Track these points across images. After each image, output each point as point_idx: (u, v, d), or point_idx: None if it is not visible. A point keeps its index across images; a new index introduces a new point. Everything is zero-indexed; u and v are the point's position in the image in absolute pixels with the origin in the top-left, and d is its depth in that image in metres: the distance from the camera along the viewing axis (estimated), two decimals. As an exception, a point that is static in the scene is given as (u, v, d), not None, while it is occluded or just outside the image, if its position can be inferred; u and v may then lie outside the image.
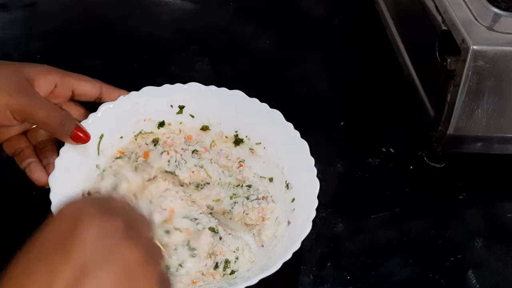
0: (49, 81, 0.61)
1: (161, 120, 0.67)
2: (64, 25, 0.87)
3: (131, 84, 0.67)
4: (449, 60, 0.60)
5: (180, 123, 0.67)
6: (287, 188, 0.62)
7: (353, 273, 0.60)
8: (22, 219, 0.62)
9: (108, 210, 0.40)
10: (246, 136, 0.66)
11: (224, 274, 0.57)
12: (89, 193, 0.61)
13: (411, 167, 0.71)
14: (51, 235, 0.38)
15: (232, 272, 0.57)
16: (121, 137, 0.65)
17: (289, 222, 0.59)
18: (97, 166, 0.63)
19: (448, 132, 0.64)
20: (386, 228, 0.65)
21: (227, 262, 0.57)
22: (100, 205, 0.41)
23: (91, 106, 0.65)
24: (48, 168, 0.60)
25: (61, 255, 0.36)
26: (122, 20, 0.89)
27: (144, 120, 0.66)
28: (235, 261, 0.58)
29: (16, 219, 0.63)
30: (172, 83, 0.67)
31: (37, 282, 0.36)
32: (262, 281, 0.52)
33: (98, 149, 0.63)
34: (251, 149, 0.66)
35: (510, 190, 0.70)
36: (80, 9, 0.90)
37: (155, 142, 0.66)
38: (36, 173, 0.60)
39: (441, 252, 0.63)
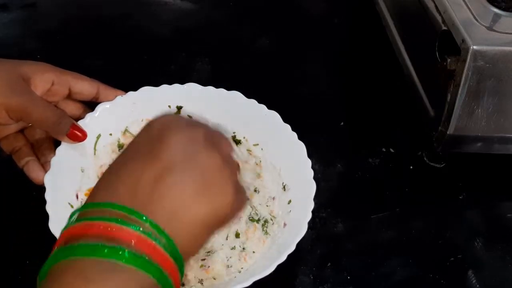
0: (46, 79, 0.61)
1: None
2: (64, 25, 0.87)
3: (131, 84, 0.67)
4: (449, 60, 0.60)
5: None
6: (284, 190, 0.62)
7: (353, 273, 0.60)
8: (21, 218, 0.62)
9: (193, 123, 0.45)
10: (244, 137, 0.66)
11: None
12: (86, 194, 0.61)
13: (411, 167, 0.71)
14: (143, 140, 0.43)
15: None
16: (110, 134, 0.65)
17: (284, 224, 0.59)
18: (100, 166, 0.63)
19: (448, 132, 0.64)
20: (386, 228, 0.64)
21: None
22: (185, 119, 0.46)
23: (88, 106, 0.65)
24: (46, 166, 0.60)
25: (150, 155, 0.41)
26: (122, 20, 0.89)
27: (142, 120, 0.66)
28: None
29: (15, 218, 0.63)
30: (172, 83, 0.67)
31: (130, 175, 0.41)
32: (261, 281, 0.52)
33: (95, 148, 0.63)
34: (248, 150, 0.66)
35: (510, 190, 0.70)
36: (80, 9, 0.90)
37: None
38: (34, 172, 0.60)
39: (441, 252, 0.63)
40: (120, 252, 0.37)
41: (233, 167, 0.45)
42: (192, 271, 0.57)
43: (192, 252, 0.43)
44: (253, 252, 0.59)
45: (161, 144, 0.42)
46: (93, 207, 0.40)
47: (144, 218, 0.39)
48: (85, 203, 0.41)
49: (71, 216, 0.41)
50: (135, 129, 0.66)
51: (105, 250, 0.37)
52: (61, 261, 0.38)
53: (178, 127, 0.43)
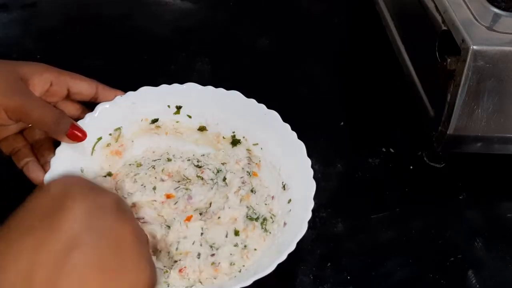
0: (45, 80, 0.61)
1: (156, 117, 0.67)
2: (63, 25, 0.87)
3: (131, 84, 0.67)
4: (449, 60, 0.60)
5: (177, 121, 0.67)
6: (284, 189, 0.62)
7: (353, 273, 0.60)
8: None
9: (99, 189, 0.40)
10: (243, 137, 0.66)
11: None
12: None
13: (411, 167, 0.71)
14: (38, 208, 0.37)
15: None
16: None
17: (285, 223, 0.59)
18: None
19: (448, 132, 0.64)
20: (386, 228, 0.65)
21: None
22: (88, 183, 0.41)
23: (87, 106, 0.65)
24: (45, 167, 0.60)
25: (48, 226, 0.35)
26: (122, 20, 0.89)
27: (141, 120, 0.66)
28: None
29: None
30: (172, 83, 0.67)
31: (22, 254, 0.34)
32: (261, 281, 0.52)
33: (93, 149, 0.63)
34: (248, 149, 0.66)
35: (510, 190, 0.70)
36: (79, 9, 0.90)
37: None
38: (34, 172, 0.60)
39: (441, 252, 0.63)
40: None
41: (144, 238, 0.40)
42: (204, 270, 0.57)
43: None
44: (255, 249, 0.59)
45: (62, 213, 0.36)
46: None
47: None
48: None
49: None
50: (134, 129, 0.66)
51: None
52: None
53: (83, 192, 0.38)
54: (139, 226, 0.41)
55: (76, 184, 0.39)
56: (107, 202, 0.39)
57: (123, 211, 0.39)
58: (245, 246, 0.59)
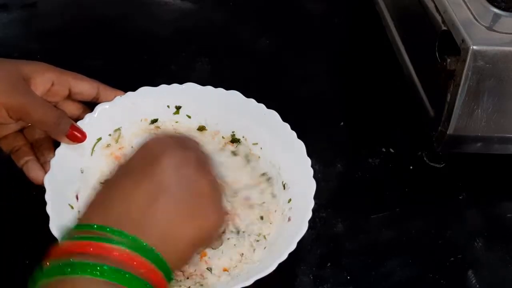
0: (46, 79, 0.61)
1: (155, 118, 0.67)
2: (64, 25, 0.87)
3: (131, 84, 0.67)
4: (449, 60, 0.60)
5: (176, 122, 0.67)
6: (284, 189, 0.62)
7: (353, 273, 0.60)
8: (21, 218, 0.62)
9: (185, 146, 0.47)
10: (243, 137, 0.66)
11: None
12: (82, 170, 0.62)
13: (411, 167, 0.71)
14: (137, 160, 0.46)
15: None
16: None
17: (289, 218, 0.59)
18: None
19: (448, 132, 0.64)
20: (386, 228, 0.64)
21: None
22: (179, 142, 0.48)
23: (88, 106, 0.65)
24: (45, 166, 0.60)
25: (144, 174, 0.44)
26: (122, 20, 0.89)
27: (141, 121, 0.66)
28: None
29: (15, 218, 0.63)
30: (172, 83, 0.67)
31: (123, 191, 0.43)
32: (261, 281, 0.52)
33: (93, 149, 0.63)
34: (247, 149, 0.66)
35: (510, 190, 0.70)
36: (80, 9, 0.90)
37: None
38: (33, 172, 0.60)
39: (441, 252, 0.63)
40: (102, 267, 0.39)
41: (219, 191, 0.48)
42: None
43: (179, 267, 0.47)
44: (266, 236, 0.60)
45: (154, 166, 0.44)
46: (85, 228, 0.42)
47: (130, 237, 0.41)
48: (78, 224, 0.43)
49: (63, 236, 0.43)
50: (133, 130, 0.66)
51: (88, 269, 0.39)
52: (54, 277, 0.40)
53: (172, 150, 0.46)
54: (215, 179, 0.48)
55: (167, 142, 0.47)
56: (191, 157, 0.46)
57: (203, 165, 0.47)
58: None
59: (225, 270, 0.57)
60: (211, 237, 0.47)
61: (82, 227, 0.42)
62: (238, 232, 0.60)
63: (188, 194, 0.44)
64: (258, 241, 0.60)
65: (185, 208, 0.44)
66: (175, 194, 0.44)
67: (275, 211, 0.61)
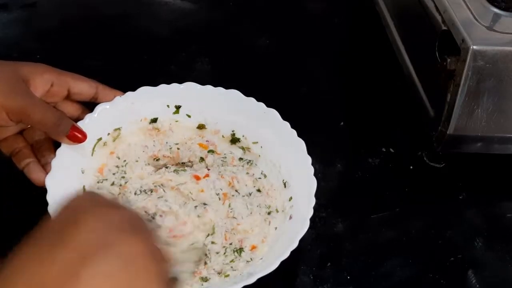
0: (45, 80, 0.61)
1: (155, 117, 0.67)
2: (63, 25, 0.87)
3: (131, 84, 0.67)
4: (449, 60, 0.60)
5: (176, 121, 0.67)
6: (285, 187, 0.62)
7: (353, 273, 0.60)
8: (21, 219, 0.62)
9: (111, 204, 0.40)
10: (243, 136, 0.66)
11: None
12: (83, 189, 0.61)
13: (411, 167, 0.71)
14: (54, 224, 0.38)
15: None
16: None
17: (291, 216, 0.59)
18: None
19: (448, 132, 0.64)
20: (386, 228, 0.64)
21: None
22: (103, 200, 0.41)
23: (87, 107, 0.65)
24: (46, 168, 0.60)
25: (60, 242, 0.36)
26: (122, 20, 0.89)
27: (141, 120, 0.66)
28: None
29: (15, 219, 0.63)
30: (171, 83, 0.67)
31: (34, 268, 0.35)
32: (261, 281, 0.52)
33: (93, 150, 0.63)
34: (247, 148, 0.66)
35: (510, 190, 0.70)
36: (80, 9, 0.90)
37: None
38: (35, 173, 0.60)
39: (441, 252, 0.63)
40: None
41: (158, 254, 0.39)
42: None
43: None
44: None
45: (73, 229, 0.36)
46: None
47: None
48: None
49: None
50: (132, 129, 0.66)
51: None
52: None
53: (98, 208, 0.38)
54: (154, 243, 0.40)
55: (91, 201, 0.40)
56: (121, 218, 0.38)
57: (137, 227, 0.39)
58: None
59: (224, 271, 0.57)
60: None
61: None
62: (239, 232, 0.60)
63: (119, 263, 0.36)
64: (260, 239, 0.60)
65: (113, 282, 0.35)
66: (100, 264, 0.35)
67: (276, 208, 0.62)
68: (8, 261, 0.36)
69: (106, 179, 0.63)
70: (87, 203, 0.39)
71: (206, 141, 0.67)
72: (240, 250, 0.59)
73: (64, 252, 0.35)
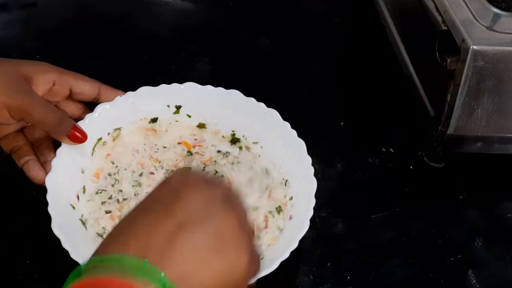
0: (47, 79, 0.61)
1: (155, 117, 0.67)
2: (63, 24, 0.87)
3: (131, 84, 0.67)
4: (449, 60, 0.60)
5: (176, 121, 0.67)
6: (285, 186, 0.62)
7: (353, 273, 0.60)
8: (21, 218, 0.62)
9: (210, 181, 0.44)
10: (243, 136, 0.66)
11: None
12: (83, 189, 0.61)
13: (411, 167, 0.71)
14: (159, 195, 0.42)
15: None
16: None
17: (291, 217, 0.59)
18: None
19: (448, 132, 0.64)
20: (386, 228, 0.64)
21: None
22: (203, 177, 0.45)
23: (88, 106, 0.65)
24: (45, 166, 0.60)
25: (165, 211, 0.40)
26: (122, 20, 0.89)
27: (140, 120, 0.66)
28: None
29: (15, 218, 0.63)
30: (172, 83, 0.67)
31: (139, 231, 0.39)
32: (261, 280, 0.52)
33: (93, 149, 0.63)
34: (247, 147, 0.66)
35: (510, 190, 0.70)
36: (79, 9, 0.90)
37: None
38: (34, 171, 0.60)
39: (441, 252, 0.63)
40: None
41: (249, 232, 0.43)
42: None
43: None
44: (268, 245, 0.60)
45: (177, 201, 0.41)
46: (102, 260, 0.38)
47: (155, 272, 0.37)
48: (94, 254, 0.39)
49: (76, 271, 0.38)
50: (132, 129, 0.66)
51: None
52: None
53: (197, 184, 0.42)
54: (245, 217, 0.43)
55: (192, 178, 0.44)
56: (217, 193, 0.42)
57: (230, 202, 0.43)
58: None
59: None
60: (239, 282, 0.41)
61: (99, 260, 0.38)
62: None
63: (213, 233, 0.40)
64: (260, 240, 0.60)
65: (209, 248, 0.39)
66: (198, 232, 0.39)
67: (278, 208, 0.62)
68: (122, 225, 0.41)
69: (105, 190, 0.63)
70: (190, 178, 0.43)
71: (195, 139, 0.67)
72: None
73: (166, 222, 0.39)
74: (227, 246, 0.40)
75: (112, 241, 0.40)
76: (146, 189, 0.63)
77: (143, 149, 0.66)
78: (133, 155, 0.65)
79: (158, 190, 0.43)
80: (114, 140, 0.65)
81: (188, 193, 0.41)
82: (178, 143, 0.67)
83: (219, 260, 0.40)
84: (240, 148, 0.66)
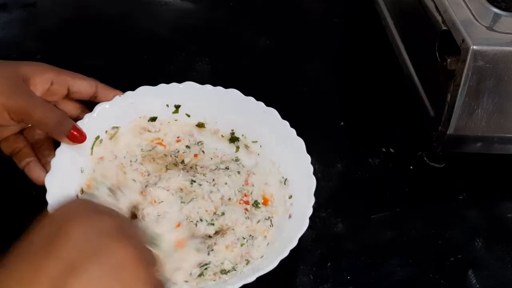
0: (45, 79, 0.61)
1: (154, 116, 0.67)
2: (63, 24, 0.87)
3: (131, 83, 0.67)
4: (449, 60, 0.61)
5: (176, 120, 0.67)
6: (284, 185, 0.62)
7: (353, 273, 0.60)
8: (21, 219, 0.62)
9: (99, 211, 0.39)
10: (242, 135, 0.67)
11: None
12: (82, 191, 0.61)
13: (411, 167, 0.71)
14: (39, 234, 0.37)
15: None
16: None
17: (290, 215, 0.59)
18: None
19: (448, 132, 0.64)
20: (386, 228, 0.64)
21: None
22: (92, 206, 0.40)
23: (87, 106, 0.65)
24: (47, 167, 0.60)
25: (47, 252, 0.35)
26: (122, 20, 0.89)
27: (140, 118, 0.66)
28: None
29: (15, 218, 0.63)
30: (171, 83, 0.67)
31: (21, 280, 0.34)
32: (261, 280, 0.52)
33: (92, 149, 0.63)
34: (247, 146, 0.66)
35: (510, 190, 0.70)
36: (79, 9, 0.90)
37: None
38: (35, 172, 0.60)
39: (441, 252, 0.63)
40: None
41: (148, 259, 0.39)
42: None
43: None
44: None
45: (60, 239, 0.35)
46: None
47: None
48: None
49: None
50: (130, 128, 0.66)
51: None
52: None
53: (84, 216, 0.37)
54: (144, 249, 0.39)
55: (79, 208, 0.39)
56: (109, 225, 0.38)
57: (125, 234, 0.38)
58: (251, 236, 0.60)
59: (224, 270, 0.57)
60: None
61: None
62: (239, 231, 0.60)
63: (110, 270, 0.35)
64: (259, 238, 0.60)
65: None
66: (91, 272, 0.34)
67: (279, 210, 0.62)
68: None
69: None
70: (75, 210, 0.38)
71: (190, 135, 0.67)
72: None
73: (53, 264, 0.34)
74: (125, 281, 0.36)
75: None
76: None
77: (123, 157, 0.65)
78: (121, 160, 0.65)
79: (38, 226, 0.37)
80: (111, 138, 0.65)
81: (73, 226, 0.36)
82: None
83: None
84: (238, 148, 0.66)
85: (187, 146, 0.66)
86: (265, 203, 0.63)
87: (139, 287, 0.37)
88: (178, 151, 0.66)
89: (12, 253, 0.36)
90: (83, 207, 0.39)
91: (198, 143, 0.67)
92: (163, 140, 0.66)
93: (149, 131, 0.66)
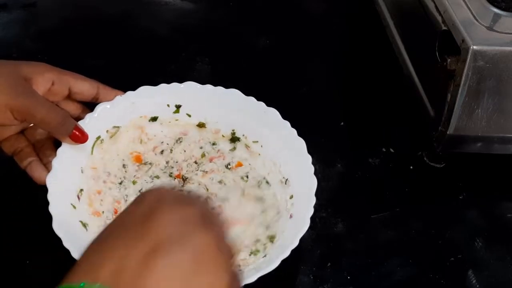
0: (46, 79, 0.61)
1: (155, 116, 0.67)
2: (63, 24, 0.87)
3: (131, 83, 0.67)
4: (449, 60, 0.61)
5: (176, 120, 0.67)
6: (285, 185, 0.62)
7: (353, 273, 0.60)
8: (21, 218, 0.62)
9: (187, 199, 0.42)
10: (243, 135, 0.67)
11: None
12: (81, 190, 0.61)
13: (411, 167, 0.71)
14: (131, 216, 0.40)
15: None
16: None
17: (291, 215, 0.60)
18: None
19: (448, 132, 0.64)
20: (386, 228, 0.65)
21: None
22: (179, 195, 0.43)
23: (87, 106, 0.65)
24: (48, 167, 0.60)
25: (138, 233, 0.38)
26: (122, 20, 0.89)
27: (140, 117, 0.66)
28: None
29: (16, 218, 0.63)
30: (171, 83, 0.67)
31: (113, 255, 0.37)
32: (261, 280, 0.52)
33: (92, 149, 0.63)
34: (247, 146, 0.66)
35: (510, 190, 0.70)
36: (80, 9, 0.90)
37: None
38: (37, 172, 0.60)
39: (441, 252, 0.63)
40: None
41: (228, 250, 0.42)
42: None
43: None
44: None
45: (151, 222, 0.39)
46: None
47: None
48: (62, 283, 0.37)
49: None
50: (130, 127, 0.66)
51: None
52: None
53: (171, 203, 0.41)
54: (223, 235, 0.42)
55: (167, 196, 0.42)
56: (193, 213, 0.40)
57: (208, 221, 0.41)
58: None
59: None
60: None
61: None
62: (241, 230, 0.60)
63: (190, 255, 0.38)
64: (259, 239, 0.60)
65: (185, 272, 0.38)
66: (174, 255, 0.38)
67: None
68: (94, 247, 0.39)
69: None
70: (163, 197, 0.41)
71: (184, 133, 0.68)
72: None
73: (141, 245, 0.38)
74: (206, 267, 0.39)
75: (81, 268, 0.38)
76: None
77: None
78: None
79: (131, 209, 0.41)
80: (111, 137, 0.65)
81: (163, 212, 0.39)
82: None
83: (198, 282, 0.38)
84: (234, 148, 0.66)
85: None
86: None
87: (219, 274, 0.39)
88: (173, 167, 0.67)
89: (108, 229, 0.40)
90: (172, 195, 0.42)
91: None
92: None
93: (145, 132, 0.67)
